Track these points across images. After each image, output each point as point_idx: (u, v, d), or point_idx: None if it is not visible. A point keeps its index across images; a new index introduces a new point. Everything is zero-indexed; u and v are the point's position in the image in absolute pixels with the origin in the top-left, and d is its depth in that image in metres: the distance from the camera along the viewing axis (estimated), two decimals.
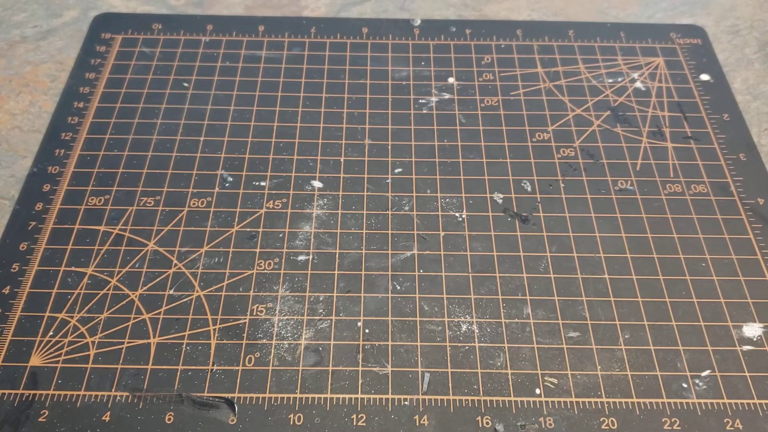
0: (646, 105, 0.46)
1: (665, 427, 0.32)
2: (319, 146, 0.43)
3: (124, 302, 0.36)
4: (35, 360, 0.34)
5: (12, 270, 0.37)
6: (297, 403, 0.33)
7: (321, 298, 0.36)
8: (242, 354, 0.34)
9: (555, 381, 0.34)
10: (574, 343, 0.35)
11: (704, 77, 0.48)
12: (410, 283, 0.37)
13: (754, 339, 0.35)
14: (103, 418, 0.32)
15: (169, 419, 0.32)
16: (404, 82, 0.47)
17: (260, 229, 0.39)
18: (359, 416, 0.32)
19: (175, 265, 0.37)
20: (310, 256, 0.38)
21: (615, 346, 0.35)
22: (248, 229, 0.39)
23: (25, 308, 0.36)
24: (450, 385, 0.33)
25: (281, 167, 0.42)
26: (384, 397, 0.33)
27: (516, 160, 0.43)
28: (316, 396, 0.33)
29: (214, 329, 0.35)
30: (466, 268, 0.38)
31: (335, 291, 0.37)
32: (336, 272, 0.37)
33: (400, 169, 0.42)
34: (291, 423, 0.32)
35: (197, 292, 0.36)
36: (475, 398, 0.33)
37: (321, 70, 0.48)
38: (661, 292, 0.37)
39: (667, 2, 0.54)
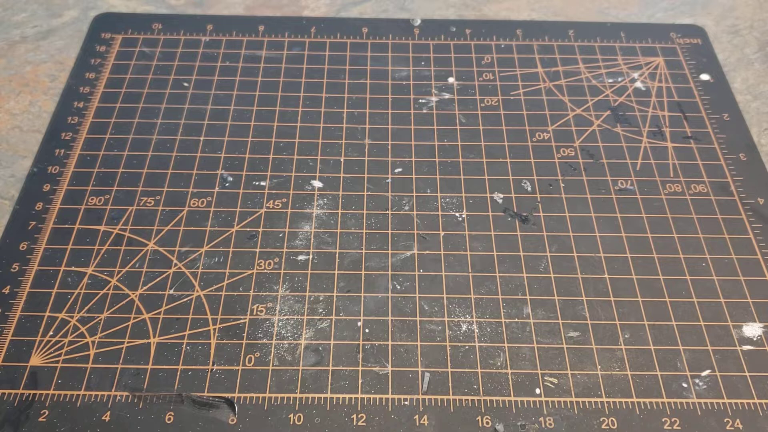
0: (646, 105, 0.46)
1: (665, 427, 0.32)
2: (319, 146, 0.43)
3: (124, 302, 0.36)
4: (35, 360, 0.34)
5: (12, 270, 0.37)
6: (297, 402, 0.33)
7: (321, 298, 0.36)
8: (242, 354, 0.34)
9: (555, 381, 0.34)
10: (574, 343, 0.35)
11: (704, 77, 0.48)
12: (410, 283, 0.37)
13: (754, 339, 0.35)
14: (103, 417, 0.32)
15: (169, 419, 0.32)
16: (404, 82, 0.47)
17: (260, 229, 0.39)
18: (359, 416, 0.32)
19: (175, 264, 0.37)
20: (310, 256, 0.38)
21: (615, 346, 0.35)
22: (248, 229, 0.39)
23: (25, 308, 0.36)
24: (450, 384, 0.33)
25: (281, 167, 0.42)
26: (384, 396, 0.33)
27: (516, 160, 0.43)
28: (316, 396, 0.33)
29: (214, 329, 0.35)
30: (466, 268, 0.38)
31: (335, 291, 0.37)
32: (336, 272, 0.37)
33: (400, 169, 0.42)
34: (291, 423, 0.32)
35: (197, 291, 0.36)
36: (475, 398, 0.33)
37: (321, 70, 0.48)
38: (661, 292, 0.37)
39: (667, 2, 0.54)
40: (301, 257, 0.38)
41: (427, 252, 0.38)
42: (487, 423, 0.32)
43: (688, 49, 0.50)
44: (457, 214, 0.40)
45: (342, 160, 0.43)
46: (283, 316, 0.36)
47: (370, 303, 0.36)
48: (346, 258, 0.38)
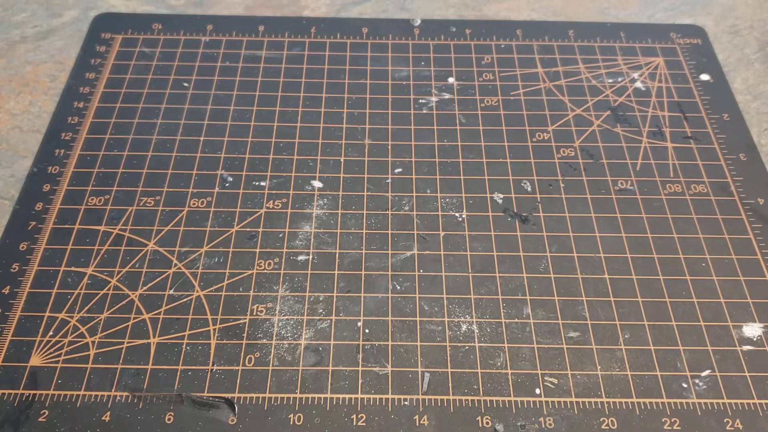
0: (646, 105, 0.46)
1: (665, 427, 0.32)
2: (319, 146, 0.43)
3: (124, 302, 0.36)
4: (35, 360, 0.34)
5: (12, 270, 0.37)
6: (297, 403, 0.33)
7: (321, 298, 0.36)
8: (242, 354, 0.34)
9: (555, 381, 0.34)
10: (574, 343, 0.35)
11: (704, 77, 0.48)
12: (410, 283, 0.37)
13: (754, 339, 0.35)
14: (103, 418, 0.32)
15: (169, 419, 0.32)
16: (404, 82, 0.47)
17: (260, 229, 0.39)
18: (359, 416, 0.32)
19: (175, 265, 0.37)
20: (310, 256, 0.38)
21: (615, 346, 0.35)
22: (248, 229, 0.39)
23: (25, 308, 0.36)
24: (450, 385, 0.33)
25: (281, 167, 0.42)
26: (384, 397, 0.33)
27: (516, 160, 0.43)
28: (316, 396, 0.33)
29: (214, 329, 0.35)
30: (466, 268, 0.38)
31: (335, 291, 0.37)
32: (336, 272, 0.37)
33: (400, 169, 0.42)
34: (291, 423, 0.32)
35: (197, 292, 0.36)
36: (475, 398, 0.33)
37: (321, 70, 0.48)
38: (661, 292, 0.37)
39: (667, 2, 0.54)
40: (301, 257, 0.38)
41: (427, 252, 0.38)
42: (487, 423, 0.32)
43: (688, 49, 0.50)
44: (457, 215, 0.40)
45: (342, 160, 0.43)
46: (283, 316, 0.36)
47: (370, 303, 0.36)
48: (346, 258, 0.38)
